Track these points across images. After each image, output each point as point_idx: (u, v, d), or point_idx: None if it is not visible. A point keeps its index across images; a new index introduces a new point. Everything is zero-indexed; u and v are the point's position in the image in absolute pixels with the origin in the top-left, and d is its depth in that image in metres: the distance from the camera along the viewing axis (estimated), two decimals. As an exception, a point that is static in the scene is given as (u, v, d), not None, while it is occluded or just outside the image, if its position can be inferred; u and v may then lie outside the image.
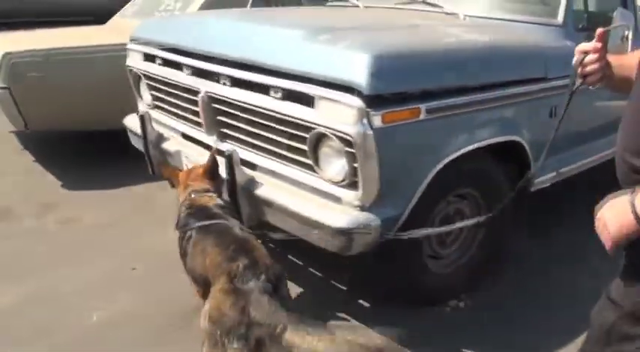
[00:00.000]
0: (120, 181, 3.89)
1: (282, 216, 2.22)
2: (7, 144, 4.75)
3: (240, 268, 1.71)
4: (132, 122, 3.10)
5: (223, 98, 2.38)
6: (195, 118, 2.63)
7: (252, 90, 2.27)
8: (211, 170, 2.26)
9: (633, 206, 1.10)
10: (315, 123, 2.03)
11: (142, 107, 3.18)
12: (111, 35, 4.26)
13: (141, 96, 3.17)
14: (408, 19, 2.85)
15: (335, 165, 2.06)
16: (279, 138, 2.25)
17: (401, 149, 2.04)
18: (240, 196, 2.32)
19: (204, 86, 2.44)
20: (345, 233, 2.00)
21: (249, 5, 4.65)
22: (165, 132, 2.86)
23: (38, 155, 4.51)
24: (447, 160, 2.16)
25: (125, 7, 5.34)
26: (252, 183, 2.33)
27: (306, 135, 2.08)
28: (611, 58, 1.43)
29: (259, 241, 1.99)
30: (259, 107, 2.24)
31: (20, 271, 2.81)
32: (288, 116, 2.14)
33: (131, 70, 3.11)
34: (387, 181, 2.01)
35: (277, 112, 2.17)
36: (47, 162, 4.35)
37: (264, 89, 2.22)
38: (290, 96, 2.13)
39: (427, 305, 2.50)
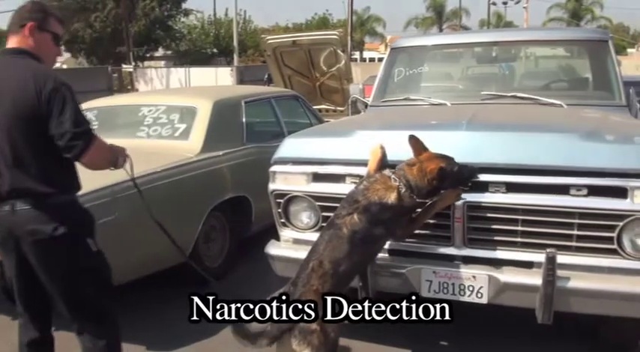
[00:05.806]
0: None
1: (599, 300, 2.45)
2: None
3: None
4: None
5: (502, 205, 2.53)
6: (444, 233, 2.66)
7: (543, 193, 2.47)
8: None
9: None
10: (630, 211, 2.37)
11: (291, 233, 2.96)
12: (152, 159, 3.64)
13: (289, 222, 2.94)
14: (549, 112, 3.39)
15: None
16: (572, 232, 2.47)
17: None
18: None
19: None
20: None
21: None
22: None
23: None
24: None
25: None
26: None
27: (618, 223, 2.39)
28: None
29: None
30: (558, 207, 2.45)
31: None
32: (595, 209, 2.42)
33: (280, 195, 2.91)
34: None
35: (581, 208, 2.43)
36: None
37: (560, 189, 2.44)
38: (593, 191, 2.41)
39: None
